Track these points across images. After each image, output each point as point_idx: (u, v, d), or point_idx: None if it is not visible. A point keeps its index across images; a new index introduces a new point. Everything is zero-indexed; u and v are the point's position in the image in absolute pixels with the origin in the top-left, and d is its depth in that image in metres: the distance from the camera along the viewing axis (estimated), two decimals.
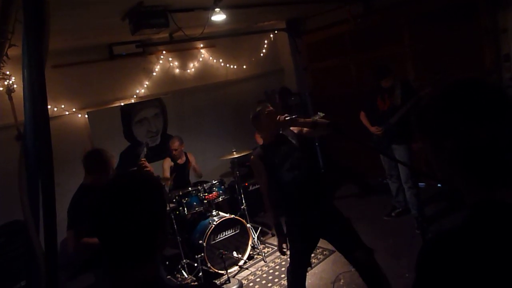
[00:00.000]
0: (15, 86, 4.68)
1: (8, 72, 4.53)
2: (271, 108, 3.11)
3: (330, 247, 4.36)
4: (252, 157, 3.15)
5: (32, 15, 0.81)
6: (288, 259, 4.27)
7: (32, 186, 0.94)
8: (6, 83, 4.60)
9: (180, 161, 5.25)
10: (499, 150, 0.86)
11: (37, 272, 0.95)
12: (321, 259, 4.30)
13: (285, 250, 3.12)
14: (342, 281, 3.84)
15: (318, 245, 3.92)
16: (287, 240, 3.11)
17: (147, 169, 3.70)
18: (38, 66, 0.83)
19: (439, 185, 5.27)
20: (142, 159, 3.83)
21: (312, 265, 4.16)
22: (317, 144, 6.81)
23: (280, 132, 3.13)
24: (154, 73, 6.00)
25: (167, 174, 5.03)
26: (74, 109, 5.28)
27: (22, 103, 3.47)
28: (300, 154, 3.00)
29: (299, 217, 3.01)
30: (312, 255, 4.17)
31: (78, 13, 3.38)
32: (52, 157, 0.94)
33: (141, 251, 1.07)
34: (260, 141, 5.74)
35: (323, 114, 4.08)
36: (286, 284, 3.99)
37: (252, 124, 3.18)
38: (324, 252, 4.39)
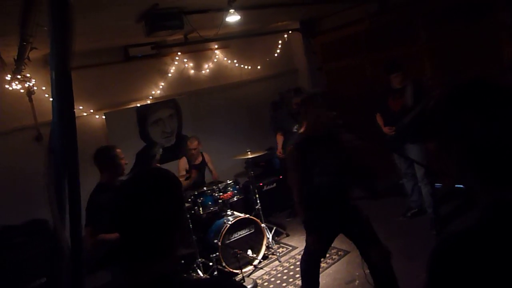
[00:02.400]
0: (35, 88, 4.79)
1: (28, 75, 4.64)
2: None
3: (344, 247, 4.35)
4: (289, 147, 3.05)
5: (59, 18, 0.84)
6: None
7: (58, 182, 0.97)
8: (26, 85, 4.71)
9: (196, 162, 5.30)
10: (511, 150, 0.85)
11: (61, 268, 0.99)
12: (335, 260, 4.29)
13: (313, 242, 3.04)
14: (357, 281, 3.83)
15: (332, 245, 3.90)
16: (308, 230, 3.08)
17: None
18: (65, 67, 0.86)
19: (456, 185, 5.20)
20: (157, 164, 3.91)
21: (327, 266, 4.14)
22: None
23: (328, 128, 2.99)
24: (169, 74, 6.06)
25: (182, 174, 5.08)
26: (91, 110, 5.37)
27: (42, 104, 3.57)
28: (335, 161, 2.96)
29: (321, 215, 3.01)
30: (327, 255, 4.18)
31: (94, 15, 3.44)
32: (77, 155, 0.98)
33: (159, 247, 1.09)
34: (280, 142, 5.76)
35: (335, 113, 4.09)
36: (301, 284, 4.01)
37: (303, 105, 3.03)
38: (339, 253, 4.38)
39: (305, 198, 3.05)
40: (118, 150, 3.19)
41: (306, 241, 3.14)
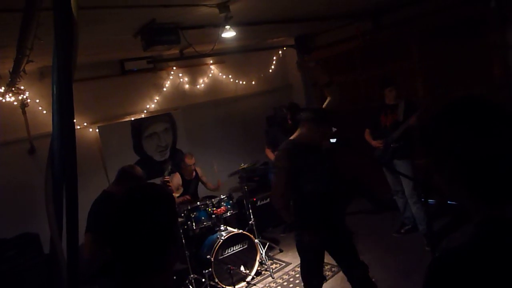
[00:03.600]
0: (28, 100, 4.78)
1: (22, 87, 4.63)
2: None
3: (334, 262, 4.33)
4: (278, 151, 2.99)
5: (63, 32, 0.85)
6: (296, 276, 4.25)
7: (57, 193, 0.97)
8: (20, 97, 4.69)
9: (188, 178, 5.27)
10: (503, 167, 0.85)
11: (58, 281, 0.98)
12: (329, 276, 4.26)
13: (309, 238, 2.96)
14: None
15: (326, 261, 3.93)
16: (300, 245, 3.03)
17: (170, 187, 3.78)
18: (67, 81, 0.87)
19: (449, 201, 5.23)
20: (166, 177, 3.92)
21: None
22: None
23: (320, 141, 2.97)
24: (165, 89, 6.08)
25: (179, 192, 5.06)
26: (85, 124, 5.35)
27: (35, 117, 3.55)
28: (326, 169, 2.94)
29: (310, 227, 2.98)
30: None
31: (92, 29, 3.47)
32: (76, 166, 0.98)
33: (153, 262, 1.07)
34: (271, 156, 5.77)
35: (335, 129, 4.13)
36: None
37: (307, 119, 2.96)
38: (333, 269, 4.35)
39: (293, 206, 3.02)
40: (142, 173, 3.18)
41: (301, 265, 3.11)
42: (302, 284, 3.12)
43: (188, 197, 5.03)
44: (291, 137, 3.05)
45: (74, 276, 0.96)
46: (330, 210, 2.98)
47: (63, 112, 0.90)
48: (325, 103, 3.24)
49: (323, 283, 3.12)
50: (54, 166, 0.93)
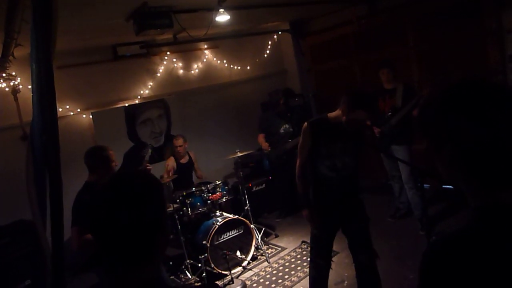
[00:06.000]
0: (20, 86, 4.71)
1: (14, 73, 4.56)
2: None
3: (333, 248, 4.35)
4: (305, 124, 2.97)
5: (41, 10, 0.81)
6: (292, 260, 4.27)
7: (39, 182, 0.94)
8: (12, 83, 4.62)
9: (183, 161, 5.27)
10: (502, 152, 0.84)
11: (43, 270, 0.96)
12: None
13: (314, 220, 3.01)
14: (345, 282, 3.83)
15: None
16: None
17: (149, 170, 3.75)
18: (46, 59, 0.83)
19: (443, 186, 5.25)
20: (147, 165, 3.88)
21: (299, 279, 4.08)
22: None
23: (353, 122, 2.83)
24: (158, 74, 6.02)
25: (169, 172, 5.04)
26: (78, 110, 5.30)
27: (27, 103, 3.47)
28: (348, 158, 2.90)
29: (322, 208, 3.00)
30: (305, 264, 4.19)
31: (82, 13, 3.40)
32: (59, 153, 0.94)
33: (140, 252, 1.04)
34: (262, 142, 5.75)
35: (368, 116, 4.07)
36: (290, 285, 4.00)
37: (344, 101, 2.84)
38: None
39: (310, 182, 3.01)
40: (111, 152, 3.15)
41: (310, 243, 3.12)
42: (308, 261, 3.12)
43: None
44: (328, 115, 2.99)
45: (59, 265, 0.94)
46: (341, 195, 2.97)
47: (44, 92, 0.86)
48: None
49: (329, 269, 3.12)
50: (35, 151, 0.90)
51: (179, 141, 5.14)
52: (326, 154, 2.88)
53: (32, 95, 0.93)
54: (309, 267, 3.19)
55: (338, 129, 2.86)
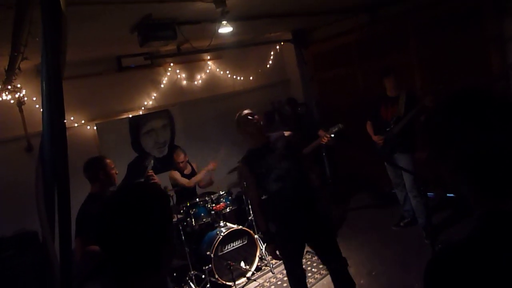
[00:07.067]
0: (25, 98, 4.75)
1: (19, 85, 4.60)
2: (256, 116, 3.13)
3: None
4: (240, 164, 3.18)
5: (51, 27, 0.83)
6: None
7: (48, 194, 0.95)
8: (17, 95, 4.67)
9: (186, 172, 5.26)
10: (506, 159, 0.84)
11: (51, 281, 0.96)
12: (318, 279, 4.21)
13: (277, 254, 3.19)
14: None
15: (314, 265, 4.15)
16: (279, 244, 3.18)
17: (154, 181, 3.75)
18: (56, 76, 0.85)
19: (447, 194, 5.23)
20: (150, 171, 3.88)
21: (309, 285, 4.05)
22: (324, 154, 6.80)
23: (269, 139, 3.11)
24: (162, 85, 6.05)
25: (183, 181, 5.03)
26: (83, 121, 5.33)
27: (32, 115, 3.52)
28: (288, 164, 3.00)
29: (286, 222, 3.10)
30: (309, 274, 4.26)
31: (87, 25, 3.44)
32: (67, 165, 0.95)
33: (145, 263, 1.05)
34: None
35: (342, 126, 4.13)
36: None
37: (238, 126, 3.17)
38: (321, 272, 4.31)
39: (266, 208, 3.15)
40: (108, 160, 3.16)
41: (284, 257, 3.22)
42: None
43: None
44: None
45: (67, 276, 0.94)
46: (299, 206, 3.04)
47: (52, 106, 0.88)
48: None
49: (305, 275, 3.28)
50: (44, 165, 0.91)
51: (180, 157, 5.12)
52: (267, 172, 3.00)
53: (42, 112, 0.95)
54: (288, 280, 3.29)
55: (266, 150, 3.03)
